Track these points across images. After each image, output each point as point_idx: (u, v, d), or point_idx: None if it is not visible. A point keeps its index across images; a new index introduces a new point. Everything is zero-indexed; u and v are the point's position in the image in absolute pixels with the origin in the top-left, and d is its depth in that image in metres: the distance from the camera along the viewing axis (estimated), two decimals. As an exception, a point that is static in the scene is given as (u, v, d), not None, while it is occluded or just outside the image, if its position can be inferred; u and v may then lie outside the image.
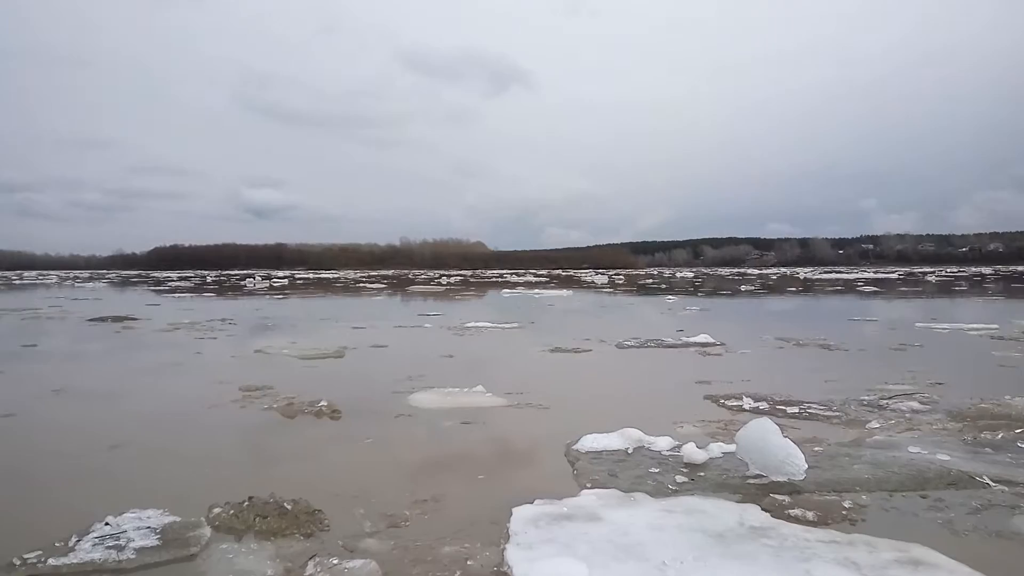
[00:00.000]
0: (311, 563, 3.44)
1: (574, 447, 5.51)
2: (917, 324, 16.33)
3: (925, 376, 8.84)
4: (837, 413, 6.80)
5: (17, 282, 66.49)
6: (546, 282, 57.54)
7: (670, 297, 31.70)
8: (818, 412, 6.85)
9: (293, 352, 11.68)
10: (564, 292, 37.44)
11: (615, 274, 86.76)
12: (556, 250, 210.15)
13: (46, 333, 16.11)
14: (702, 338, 12.99)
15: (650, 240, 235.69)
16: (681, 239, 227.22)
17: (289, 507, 4.16)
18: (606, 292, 39.45)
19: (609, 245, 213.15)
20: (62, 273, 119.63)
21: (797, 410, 6.93)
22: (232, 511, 4.11)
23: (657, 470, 4.93)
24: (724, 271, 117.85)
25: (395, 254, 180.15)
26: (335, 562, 3.43)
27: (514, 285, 49.57)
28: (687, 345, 12.58)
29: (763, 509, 4.11)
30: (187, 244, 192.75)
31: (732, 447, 5.16)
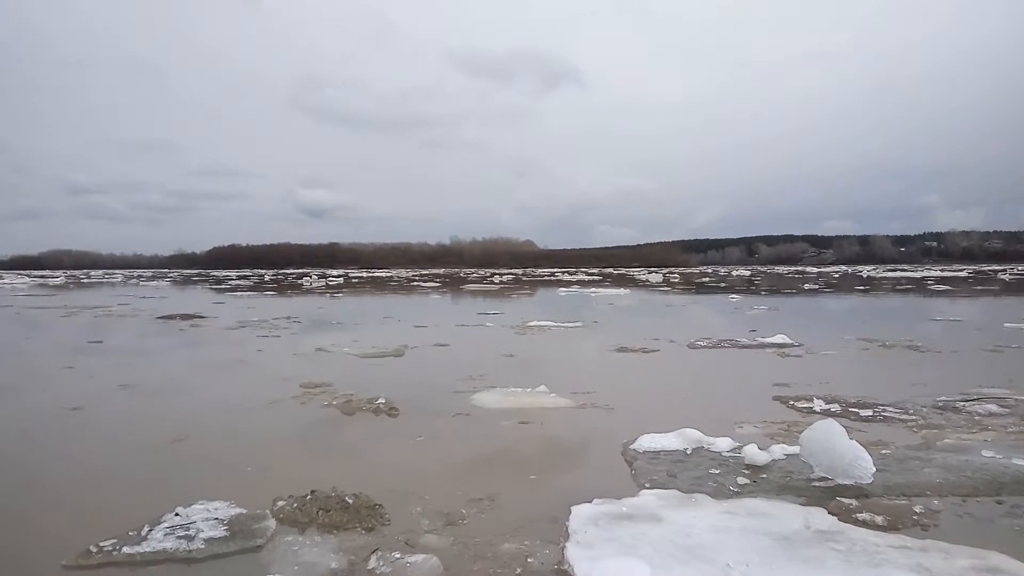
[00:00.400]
0: (374, 557, 3.48)
1: (631, 447, 5.46)
2: (1006, 324, 15.48)
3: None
4: (913, 416, 6.54)
5: (85, 280, 69.24)
6: (599, 280, 57.11)
7: (733, 296, 30.97)
8: (893, 415, 6.60)
9: (354, 351, 11.83)
10: (621, 291, 36.93)
11: (669, 272, 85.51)
12: (606, 248, 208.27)
13: (116, 330, 16.71)
14: (779, 338, 12.59)
15: (702, 238, 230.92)
16: (734, 237, 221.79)
17: (351, 501, 4.23)
18: (662, 291, 38.91)
19: (660, 243, 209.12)
20: (126, 272, 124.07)
21: (871, 413, 6.69)
22: (296, 504, 4.20)
23: (718, 471, 4.84)
24: (781, 269, 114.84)
25: (445, 253, 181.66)
26: (397, 556, 3.47)
27: (568, 283, 49.31)
28: (763, 346, 12.22)
29: (829, 513, 4.00)
30: (244, 244, 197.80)
31: (795, 449, 5.04)
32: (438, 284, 51.02)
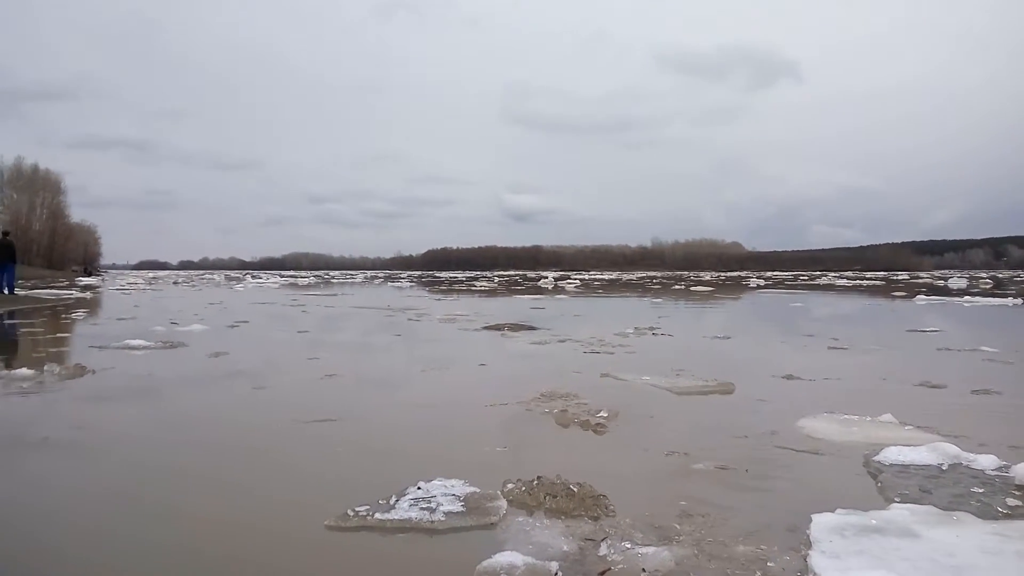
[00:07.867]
0: (603, 544, 3.50)
1: (875, 459, 5.02)
2: None
3: None
4: None
5: (333, 280, 73.07)
6: (883, 286, 48.60)
7: None
8: None
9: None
10: (1009, 300, 25.95)
11: (980, 278, 72.42)
12: (822, 250, 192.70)
13: (461, 339, 15.79)
14: None
15: (937, 239, 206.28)
16: (978, 237, 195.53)
17: (575, 489, 4.28)
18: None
19: (886, 244, 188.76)
20: (366, 273, 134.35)
21: None
22: (524, 488, 4.33)
23: (981, 490, 4.30)
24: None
25: (645, 255, 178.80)
26: (627, 546, 3.45)
27: (882, 291, 40.09)
28: None
29: None
30: (455, 247, 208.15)
31: (1082, 472, 4.35)
32: (712, 287, 45.67)
